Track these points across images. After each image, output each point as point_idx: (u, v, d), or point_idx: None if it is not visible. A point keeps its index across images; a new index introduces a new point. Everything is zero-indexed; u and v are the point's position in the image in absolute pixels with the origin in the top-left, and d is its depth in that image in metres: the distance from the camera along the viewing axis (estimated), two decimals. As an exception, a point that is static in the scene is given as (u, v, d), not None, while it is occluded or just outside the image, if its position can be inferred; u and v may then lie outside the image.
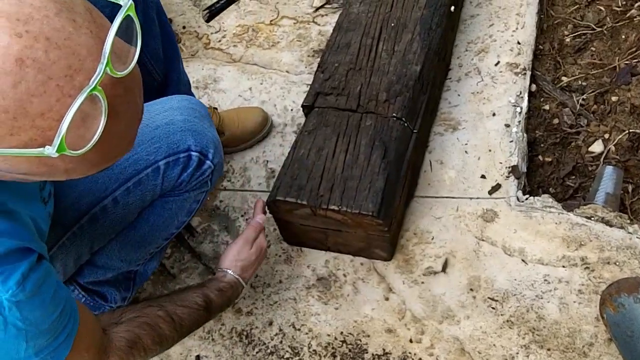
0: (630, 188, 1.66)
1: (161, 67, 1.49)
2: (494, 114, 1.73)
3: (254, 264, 1.37)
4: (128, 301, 1.48)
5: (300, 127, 1.70)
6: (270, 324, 1.51)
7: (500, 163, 1.64)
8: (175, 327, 1.15)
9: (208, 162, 1.24)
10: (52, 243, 1.20)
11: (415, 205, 1.62)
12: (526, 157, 1.68)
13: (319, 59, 1.73)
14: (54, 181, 1.12)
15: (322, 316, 1.50)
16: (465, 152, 1.68)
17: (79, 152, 0.63)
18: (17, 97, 0.59)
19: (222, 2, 1.88)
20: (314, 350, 1.45)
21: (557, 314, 1.41)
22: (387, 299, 1.49)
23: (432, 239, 1.56)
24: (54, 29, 0.61)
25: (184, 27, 2.14)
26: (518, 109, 1.73)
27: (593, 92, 1.83)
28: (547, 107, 1.84)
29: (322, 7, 2.10)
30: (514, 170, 1.62)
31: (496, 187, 1.60)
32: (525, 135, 1.69)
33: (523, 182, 1.62)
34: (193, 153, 1.21)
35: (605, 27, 1.95)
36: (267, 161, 1.78)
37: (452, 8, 1.79)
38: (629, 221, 1.50)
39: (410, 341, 1.43)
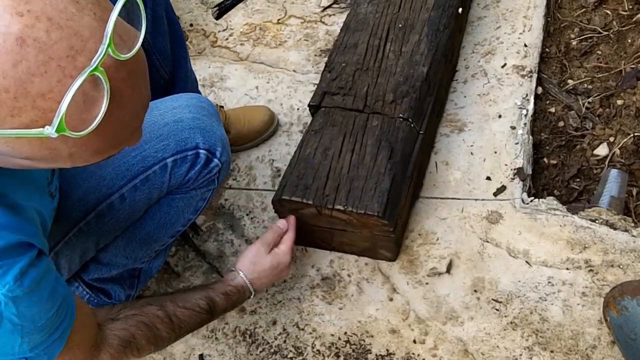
0: (634, 191, 1.66)
1: (169, 65, 1.49)
2: (499, 116, 1.73)
3: (268, 274, 1.35)
4: (132, 299, 1.48)
5: (306, 126, 1.70)
6: (274, 323, 1.51)
7: (506, 165, 1.64)
8: (174, 328, 1.14)
9: (216, 160, 1.24)
10: (58, 239, 1.21)
11: (420, 206, 1.62)
12: (531, 159, 1.68)
13: (326, 59, 1.73)
14: (61, 175, 1.13)
15: (326, 316, 1.50)
16: (471, 153, 1.68)
17: (80, 133, 0.63)
18: (17, 76, 0.59)
19: (231, -1, 1.89)
20: (317, 350, 1.46)
21: (560, 316, 1.41)
22: (391, 299, 1.50)
23: (437, 239, 1.56)
24: (56, 9, 0.60)
25: (191, 25, 2.14)
26: (524, 111, 1.73)
27: (599, 95, 1.83)
28: (552, 109, 1.84)
29: (329, 6, 2.11)
30: (519, 172, 1.62)
31: (501, 189, 1.60)
32: (530, 137, 1.70)
33: (528, 184, 1.63)
34: (201, 151, 1.21)
35: (612, 31, 1.95)
36: (273, 160, 1.78)
37: (460, 10, 1.79)
38: (633, 224, 1.51)
39: (414, 342, 1.43)
